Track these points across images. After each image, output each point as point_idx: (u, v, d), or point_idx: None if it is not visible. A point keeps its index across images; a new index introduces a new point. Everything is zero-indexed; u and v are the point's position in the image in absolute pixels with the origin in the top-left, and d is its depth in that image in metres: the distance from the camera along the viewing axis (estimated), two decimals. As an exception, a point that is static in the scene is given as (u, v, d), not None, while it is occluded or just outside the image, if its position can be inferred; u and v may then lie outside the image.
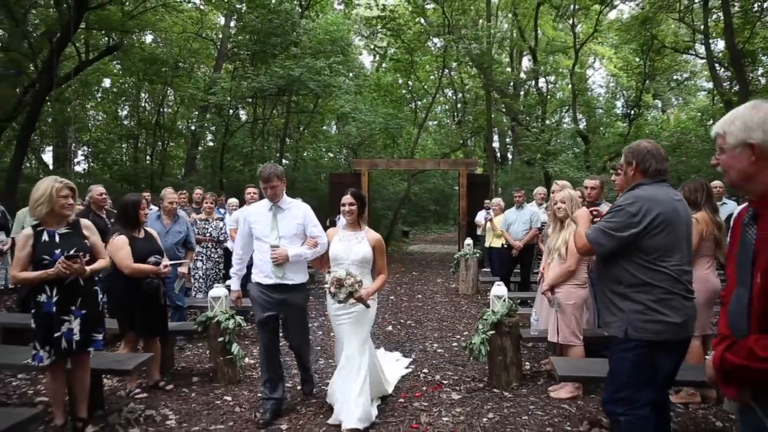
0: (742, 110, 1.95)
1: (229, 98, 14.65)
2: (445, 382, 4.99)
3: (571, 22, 17.38)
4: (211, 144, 22.07)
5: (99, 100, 23.21)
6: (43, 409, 3.90)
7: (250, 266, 4.35)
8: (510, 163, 24.99)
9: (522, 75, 20.47)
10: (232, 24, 19.26)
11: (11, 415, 3.02)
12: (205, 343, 5.65)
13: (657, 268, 2.74)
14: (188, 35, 19.22)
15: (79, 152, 24.78)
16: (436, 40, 18.61)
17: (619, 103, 23.82)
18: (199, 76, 21.39)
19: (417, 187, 23.28)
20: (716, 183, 6.48)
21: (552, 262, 4.75)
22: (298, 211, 4.18)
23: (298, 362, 4.52)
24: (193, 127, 20.02)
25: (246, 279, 4.45)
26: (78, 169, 23.87)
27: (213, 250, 7.11)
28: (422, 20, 17.54)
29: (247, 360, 5.35)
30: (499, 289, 4.98)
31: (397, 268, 13.66)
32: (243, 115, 21.61)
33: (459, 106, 24.00)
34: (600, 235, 2.83)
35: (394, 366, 5.27)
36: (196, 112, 20.36)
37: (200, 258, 6.97)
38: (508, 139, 28.10)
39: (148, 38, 20.78)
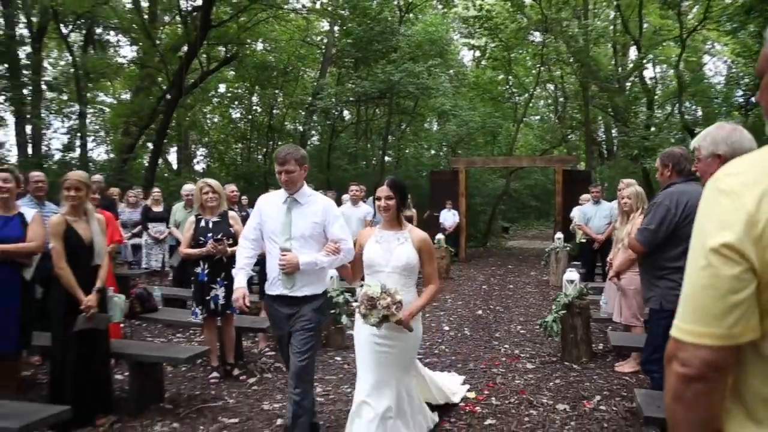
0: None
1: (334, 100, 16.13)
2: (522, 355, 5.86)
3: (678, 9, 17.10)
4: (317, 143, 23.94)
5: (215, 104, 25.89)
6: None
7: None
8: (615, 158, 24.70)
9: (622, 68, 20.29)
10: (336, 29, 20.87)
11: (192, 350, 4.36)
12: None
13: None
14: (296, 42, 21.06)
15: (199, 153, 27.84)
16: (537, 33, 19.05)
17: (740, 92, 22.74)
18: (306, 80, 23.30)
19: (517, 184, 23.73)
20: None
21: (618, 252, 5.46)
22: (317, 207, 3.46)
23: (290, 394, 3.42)
24: (301, 128, 21.86)
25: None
26: (198, 168, 26.87)
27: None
28: (521, 16, 18.04)
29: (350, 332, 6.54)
30: (570, 274, 5.77)
31: (494, 262, 14.49)
32: (347, 115, 23.24)
33: (561, 100, 24.10)
34: (646, 234, 3.61)
35: (448, 379, 4.70)
36: (304, 114, 22.22)
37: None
38: (614, 132, 27.65)
39: (260, 46, 22.94)
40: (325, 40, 21.74)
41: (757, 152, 1.05)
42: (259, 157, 24.88)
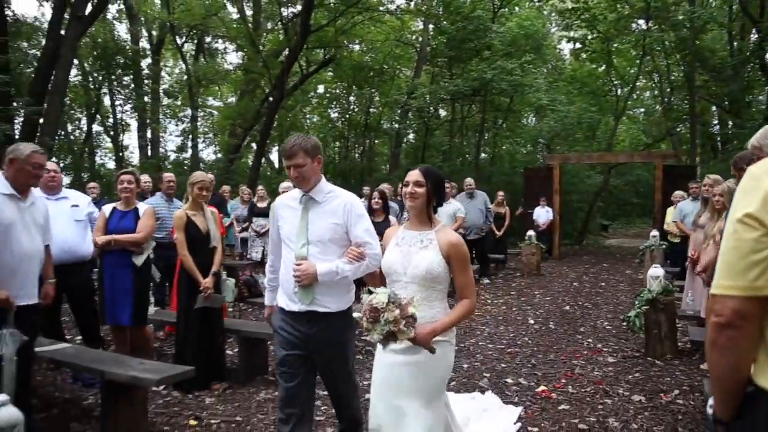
0: None
1: (428, 99, 16.58)
2: (605, 349, 6.01)
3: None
4: (413, 141, 24.49)
5: (314, 105, 27.18)
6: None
7: None
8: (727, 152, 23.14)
9: (740, 53, 18.99)
10: (431, 27, 21.29)
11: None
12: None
13: None
14: (391, 42, 21.72)
15: (299, 152, 29.30)
16: (641, 22, 18.40)
17: None
18: (402, 79, 23.91)
19: (618, 180, 22.98)
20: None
21: (707, 247, 5.48)
22: (337, 205, 2.98)
23: (337, 413, 3.27)
24: (396, 126, 22.51)
25: None
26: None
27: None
28: (622, 5, 17.50)
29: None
30: (655, 270, 5.84)
31: (588, 260, 14.31)
32: (443, 112, 23.59)
33: (668, 91, 23.01)
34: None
35: (496, 416, 4.09)
36: (399, 112, 22.85)
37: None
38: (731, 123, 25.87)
39: (356, 47, 23.82)
40: (420, 39, 22.23)
41: None
42: (357, 155, 25.88)
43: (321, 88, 26.91)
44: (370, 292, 2.43)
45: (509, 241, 13.02)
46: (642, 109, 27.54)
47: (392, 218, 6.72)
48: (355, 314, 2.48)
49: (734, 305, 1.30)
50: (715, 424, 1.47)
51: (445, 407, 2.86)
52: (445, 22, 16.66)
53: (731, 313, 1.31)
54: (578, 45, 20.23)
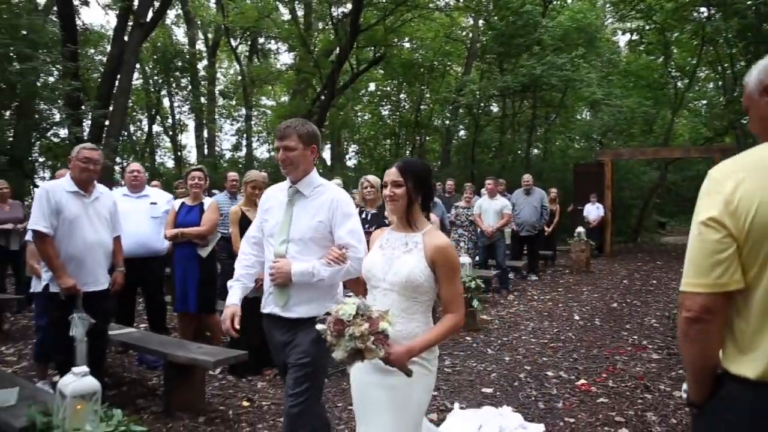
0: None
1: (478, 96, 16.64)
2: (650, 346, 6.04)
3: None
4: (464, 138, 24.54)
5: (365, 103, 27.57)
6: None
7: None
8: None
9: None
10: (481, 23, 21.28)
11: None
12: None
13: None
14: (440, 39, 21.82)
15: (351, 150, 29.86)
16: (702, 9, 17.83)
17: None
18: (452, 76, 23.96)
19: (676, 176, 22.32)
20: None
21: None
22: (324, 201, 2.77)
23: None
24: (446, 123, 22.62)
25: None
26: (350, 164, 28.89)
27: (473, 231, 9.04)
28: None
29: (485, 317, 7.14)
30: (702, 267, 5.83)
31: (642, 257, 14.07)
32: (495, 107, 23.54)
33: (731, 82, 22.14)
34: None
35: None
36: (450, 109, 22.95)
37: (463, 239, 8.99)
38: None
39: (407, 45, 24.03)
40: (470, 36, 22.25)
41: (744, 152, 1.54)
42: (407, 152, 26.10)
43: (372, 86, 27.27)
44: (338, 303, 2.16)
45: (560, 237, 12.97)
46: (704, 102, 26.58)
47: (434, 216, 6.91)
48: (318, 326, 2.13)
49: (702, 301, 1.45)
50: (689, 406, 1.63)
51: None
52: (495, 18, 16.64)
53: (700, 309, 1.45)
54: (634, 37, 19.78)
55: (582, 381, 4.92)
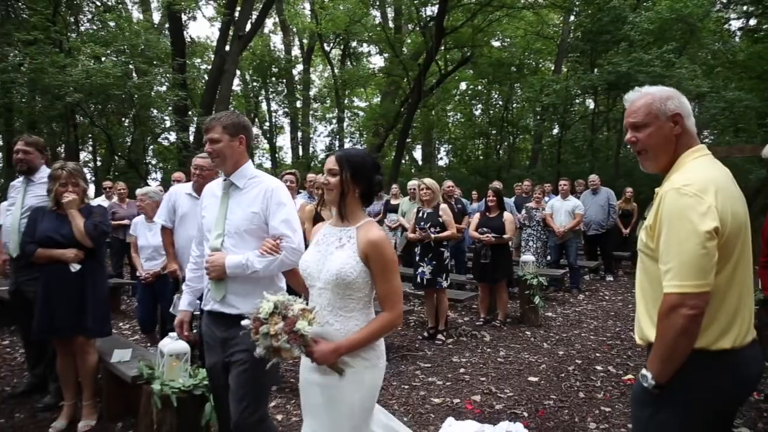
0: None
1: (558, 95, 16.51)
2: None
3: None
4: (553, 137, 24.25)
5: (456, 102, 27.93)
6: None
7: None
8: None
9: None
10: (573, 18, 21.04)
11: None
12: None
13: None
14: (530, 37, 21.80)
15: (442, 149, 30.35)
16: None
17: None
18: (543, 73, 23.72)
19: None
20: None
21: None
22: (258, 192, 2.75)
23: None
24: (532, 122, 22.54)
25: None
26: (441, 164, 29.39)
27: (542, 231, 9.35)
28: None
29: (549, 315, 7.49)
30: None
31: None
32: (590, 103, 23.12)
33: None
34: None
35: None
36: (539, 108, 22.88)
37: (531, 239, 9.31)
38: None
39: (496, 43, 24.12)
40: (561, 32, 22.04)
41: (694, 170, 1.90)
42: (500, 151, 26.16)
43: (463, 85, 27.57)
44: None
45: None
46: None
47: (507, 214, 7.35)
48: (244, 322, 2.13)
49: (705, 299, 1.79)
50: (655, 389, 1.91)
51: None
52: (580, 16, 16.48)
53: (704, 305, 1.76)
54: (741, 24, 18.71)
55: (629, 376, 5.20)
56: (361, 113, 28.82)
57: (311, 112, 26.65)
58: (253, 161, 2.97)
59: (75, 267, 3.76)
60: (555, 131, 23.69)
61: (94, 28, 19.00)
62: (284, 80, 25.17)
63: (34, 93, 13.47)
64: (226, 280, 2.67)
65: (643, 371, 1.94)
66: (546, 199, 10.44)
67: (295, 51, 26.25)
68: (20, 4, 16.20)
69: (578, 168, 18.24)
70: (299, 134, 26.20)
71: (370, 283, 2.24)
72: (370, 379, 2.25)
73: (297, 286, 2.76)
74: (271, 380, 2.78)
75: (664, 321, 1.82)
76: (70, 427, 3.89)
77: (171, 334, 3.47)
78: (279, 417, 4.23)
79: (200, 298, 2.96)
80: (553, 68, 23.03)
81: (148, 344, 5.60)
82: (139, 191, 5.95)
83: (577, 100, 19.01)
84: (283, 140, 29.76)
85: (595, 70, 16.44)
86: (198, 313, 3.11)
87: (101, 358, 4.02)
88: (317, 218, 5.77)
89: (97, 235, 3.83)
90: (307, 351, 2.11)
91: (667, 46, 13.89)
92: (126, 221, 8.38)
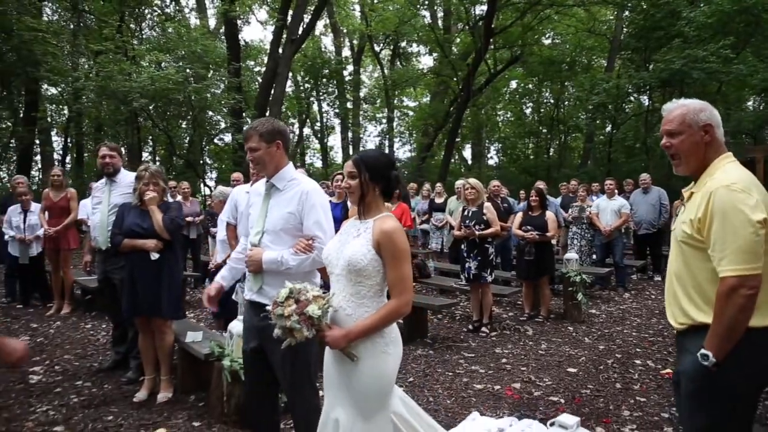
0: None
1: (615, 91, 16.44)
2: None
3: None
4: (605, 135, 23.99)
5: (506, 101, 27.97)
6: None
7: None
8: None
9: None
10: (627, 14, 20.82)
11: (444, 302, 6.33)
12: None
13: None
14: (581, 34, 21.67)
15: (491, 148, 30.44)
16: None
17: None
18: (596, 70, 23.45)
19: None
20: None
21: None
22: (295, 193, 2.96)
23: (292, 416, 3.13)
24: (583, 120, 22.38)
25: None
26: (490, 162, 29.49)
27: (587, 230, 9.51)
28: None
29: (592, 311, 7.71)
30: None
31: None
32: (646, 100, 22.79)
33: None
34: None
35: None
36: (591, 107, 22.71)
37: (576, 237, 9.51)
38: None
39: (547, 41, 24.03)
40: (614, 29, 21.83)
41: (733, 172, 2.23)
42: (551, 150, 26.06)
43: (513, 84, 27.58)
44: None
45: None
46: None
47: (549, 213, 7.61)
48: (268, 307, 2.39)
49: (760, 280, 2.08)
50: (714, 366, 2.13)
51: (399, 429, 2.47)
52: (634, 11, 16.36)
53: (758, 285, 2.08)
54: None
55: (667, 370, 5.39)
56: (411, 113, 29.24)
57: (361, 113, 27.24)
58: (304, 161, 3.43)
59: (154, 255, 4.31)
60: (608, 129, 23.49)
61: (154, 34, 20.15)
62: (335, 81, 25.83)
63: (101, 98, 14.44)
64: (263, 273, 2.92)
65: (702, 351, 2.17)
66: (593, 198, 10.58)
67: (345, 52, 26.93)
68: (89, 15, 17.39)
69: (630, 167, 18.08)
70: (350, 134, 26.85)
71: (382, 272, 2.39)
72: (383, 363, 2.38)
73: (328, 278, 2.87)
74: (314, 366, 2.95)
75: (725, 301, 2.10)
76: (150, 398, 4.45)
77: (239, 317, 3.96)
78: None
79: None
80: (605, 65, 22.78)
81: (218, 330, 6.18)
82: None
83: (631, 98, 18.77)
84: (334, 140, 30.56)
85: (650, 65, 16.27)
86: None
87: (176, 339, 4.57)
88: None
89: (173, 228, 4.37)
90: (320, 335, 2.31)
91: (725, 41, 13.63)
92: (190, 218, 9.02)
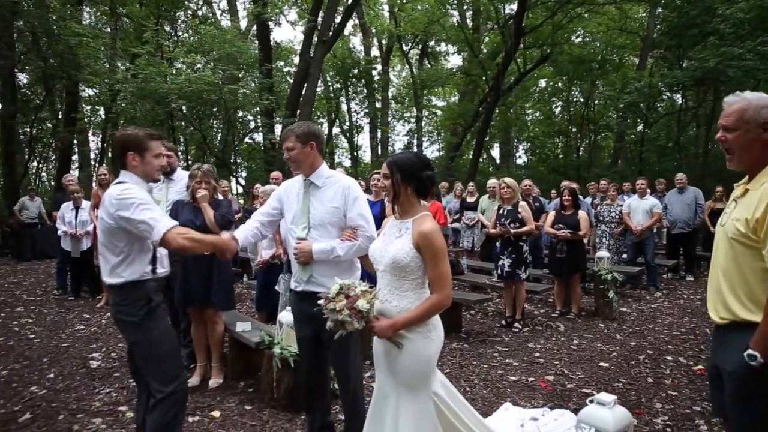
0: None
1: (647, 91, 16.37)
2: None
3: None
4: (636, 134, 23.82)
5: (535, 100, 27.92)
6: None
7: None
8: None
9: None
10: (660, 11, 20.68)
11: (477, 297, 6.56)
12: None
13: None
14: (612, 32, 21.57)
15: (520, 147, 30.43)
16: None
17: None
18: (628, 68, 23.30)
19: None
20: None
21: None
22: (337, 189, 3.24)
23: (341, 396, 3.45)
24: (614, 119, 22.30)
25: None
26: (519, 162, 29.49)
27: (616, 229, 9.60)
28: None
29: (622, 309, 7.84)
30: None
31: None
32: (679, 99, 22.59)
33: None
34: None
35: None
36: (622, 106, 22.59)
37: (605, 235, 9.60)
38: None
39: (577, 39, 23.93)
40: (646, 26, 21.68)
41: None
42: (581, 149, 25.94)
43: (542, 83, 27.52)
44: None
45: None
46: None
47: (582, 212, 7.77)
48: (321, 301, 2.61)
49: None
50: (763, 366, 2.12)
51: (439, 407, 2.74)
52: (667, 9, 16.26)
53: None
54: None
55: (700, 366, 5.51)
56: (439, 112, 29.41)
57: (390, 112, 27.51)
58: (333, 160, 3.69)
59: (206, 250, 4.63)
60: (639, 128, 23.34)
61: (186, 36, 20.70)
62: (364, 81, 26.16)
63: (139, 99, 14.95)
64: (312, 264, 3.17)
65: (749, 351, 2.17)
66: (624, 198, 10.64)
67: (374, 52, 27.21)
68: (126, 19, 17.98)
69: (662, 166, 18.00)
70: (378, 134, 27.15)
71: (423, 268, 2.65)
72: (424, 348, 2.65)
73: (369, 268, 3.12)
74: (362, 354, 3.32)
75: None
76: (202, 384, 4.77)
77: (287, 308, 4.25)
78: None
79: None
80: (637, 63, 22.61)
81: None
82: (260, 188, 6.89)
83: (664, 96, 18.64)
84: (363, 139, 30.91)
85: (684, 63, 16.13)
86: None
87: (227, 328, 4.88)
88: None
89: (223, 224, 4.66)
90: (368, 326, 2.57)
91: (764, 37, 13.41)
92: (229, 215, 9.37)
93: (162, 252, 3.20)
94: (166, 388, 2.94)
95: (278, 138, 17.22)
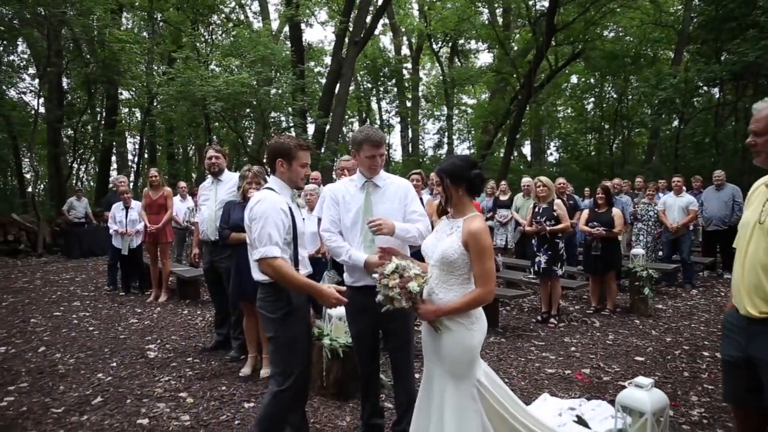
0: None
1: (683, 86, 16.20)
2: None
3: None
4: (668, 132, 23.50)
5: (567, 97, 27.76)
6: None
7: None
8: None
9: None
10: (697, 3, 20.40)
11: (514, 293, 6.74)
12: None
13: None
14: (647, 26, 21.35)
15: (552, 145, 30.32)
16: None
17: None
18: (663, 63, 23.01)
19: None
20: None
21: None
22: (396, 189, 3.58)
23: (394, 386, 3.70)
24: (648, 115, 22.05)
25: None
26: (551, 159, 29.38)
27: (653, 226, 9.66)
28: None
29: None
30: None
31: None
32: (717, 93, 22.23)
33: None
34: None
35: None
36: (657, 102, 22.33)
37: (642, 233, 9.68)
38: None
39: (610, 34, 23.71)
40: (681, 19, 21.41)
41: None
42: (614, 146, 25.67)
43: (574, 79, 27.36)
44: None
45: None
46: None
47: (616, 210, 7.89)
48: (374, 275, 2.95)
49: None
50: None
51: (483, 394, 2.94)
52: (703, 2, 16.06)
53: None
54: None
55: (736, 361, 5.64)
56: (470, 110, 29.48)
57: (420, 110, 27.71)
58: None
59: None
60: (674, 124, 23.03)
61: (221, 38, 21.22)
62: (394, 80, 26.42)
63: (177, 102, 15.44)
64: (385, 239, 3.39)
65: None
66: (659, 195, 10.68)
67: (404, 50, 27.43)
68: (164, 23, 18.54)
69: (698, 163, 17.71)
70: (409, 132, 27.38)
71: (469, 264, 2.88)
72: (467, 338, 2.87)
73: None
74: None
75: None
76: (253, 374, 5.08)
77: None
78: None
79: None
80: (672, 57, 22.29)
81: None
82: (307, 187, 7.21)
83: (700, 91, 18.37)
84: (394, 138, 31.18)
85: (723, 56, 15.88)
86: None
87: (276, 321, 5.18)
88: (443, 211, 6.66)
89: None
90: (414, 307, 2.84)
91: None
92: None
93: (303, 254, 3.39)
94: (285, 383, 3.16)
95: (311, 139, 17.62)
